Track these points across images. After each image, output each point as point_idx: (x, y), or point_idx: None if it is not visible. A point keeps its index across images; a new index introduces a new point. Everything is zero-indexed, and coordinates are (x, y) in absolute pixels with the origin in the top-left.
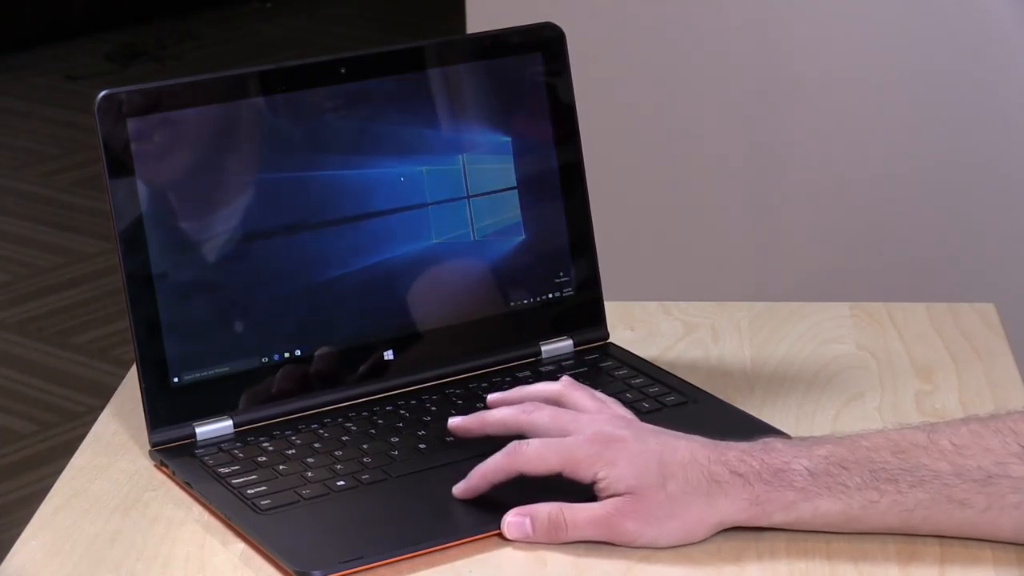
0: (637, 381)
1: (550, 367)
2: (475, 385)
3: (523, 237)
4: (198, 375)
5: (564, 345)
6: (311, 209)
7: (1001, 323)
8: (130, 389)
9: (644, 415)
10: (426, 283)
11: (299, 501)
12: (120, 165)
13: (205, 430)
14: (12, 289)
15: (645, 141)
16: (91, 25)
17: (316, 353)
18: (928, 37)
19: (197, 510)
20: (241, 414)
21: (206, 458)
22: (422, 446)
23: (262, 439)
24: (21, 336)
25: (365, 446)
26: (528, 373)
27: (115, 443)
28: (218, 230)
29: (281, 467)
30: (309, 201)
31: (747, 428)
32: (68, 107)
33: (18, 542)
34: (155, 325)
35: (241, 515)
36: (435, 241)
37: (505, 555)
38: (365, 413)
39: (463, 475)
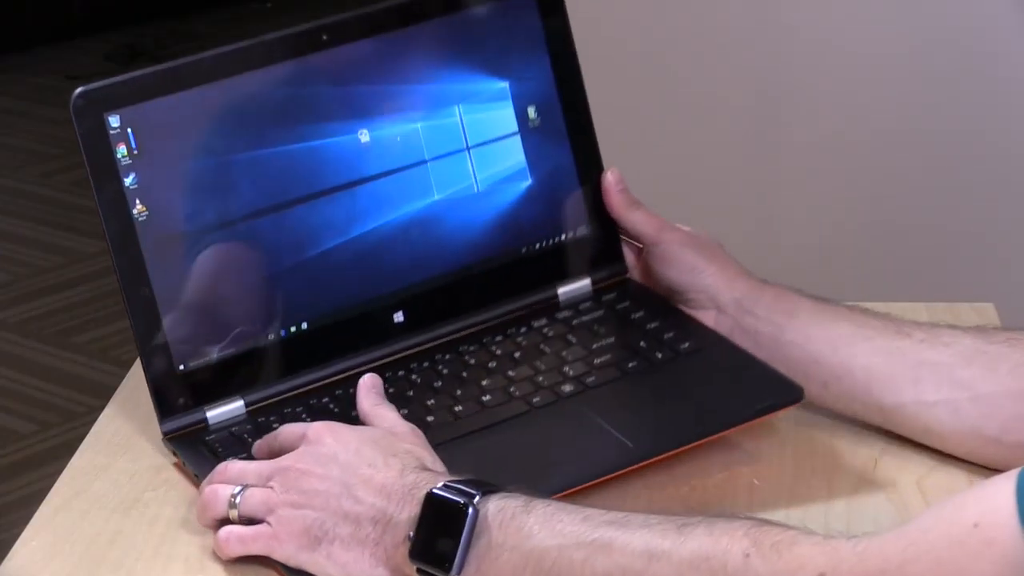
0: (652, 326)
1: (567, 312)
2: (488, 339)
3: (530, 182)
4: (204, 360)
5: (582, 285)
6: (305, 181)
7: (1000, 323)
8: (130, 389)
9: (658, 365)
10: (432, 241)
11: None
12: (102, 161)
13: (216, 413)
14: (12, 289)
15: (643, 142)
16: (91, 25)
17: (324, 324)
18: (928, 35)
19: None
20: (252, 393)
21: (216, 446)
22: (430, 418)
23: (272, 419)
24: (21, 336)
25: None
26: (544, 321)
27: (115, 443)
28: (210, 213)
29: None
30: (302, 173)
31: (761, 377)
32: (68, 107)
33: (18, 542)
34: (154, 317)
35: None
36: (437, 197)
37: None
38: None
39: (466, 451)
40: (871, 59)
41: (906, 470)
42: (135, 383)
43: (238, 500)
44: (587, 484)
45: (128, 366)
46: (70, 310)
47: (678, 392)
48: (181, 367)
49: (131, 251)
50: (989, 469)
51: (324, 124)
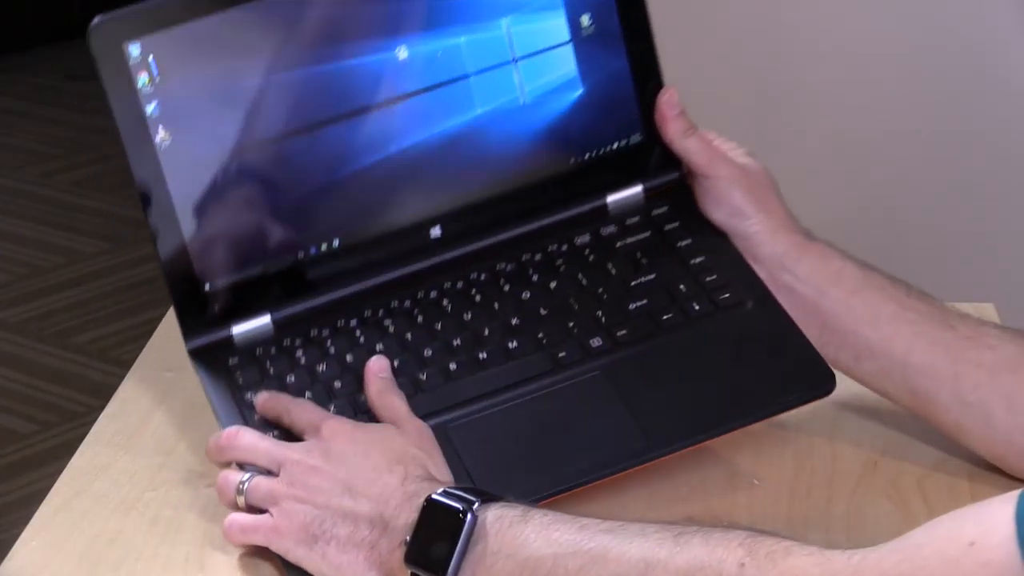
0: (697, 261)
1: (612, 228)
2: (528, 257)
3: (581, 91)
4: (231, 279)
5: (633, 193)
6: (338, 101)
7: (1000, 323)
8: (130, 389)
9: (693, 320)
10: (473, 155)
11: None
12: (122, 90)
13: (242, 328)
14: (12, 289)
15: None
16: None
17: (356, 241)
18: (928, 35)
19: (197, 510)
20: (279, 310)
21: (237, 374)
22: (452, 366)
23: (299, 342)
24: (21, 336)
25: (396, 362)
26: (588, 238)
27: (115, 443)
28: (238, 136)
29: (307, 395)
30: (336, 93)
31: (792, 356)
32: (68, 107)
33: (18, 542)
34: (179, 243)
35: None
36: (479, 111)
37: None
38: (408, 302)
39: (479, 423)
40: (871, 59)
41: (906, 470)
42: (135, 383)
43: (245, 487)
44: (594, 483)
45: (128, 366)
46: (70, 310)
47: (704, 368)
48: (207, 287)
49: (154, 179)
50: (1008, 476)
51: (358, 42)
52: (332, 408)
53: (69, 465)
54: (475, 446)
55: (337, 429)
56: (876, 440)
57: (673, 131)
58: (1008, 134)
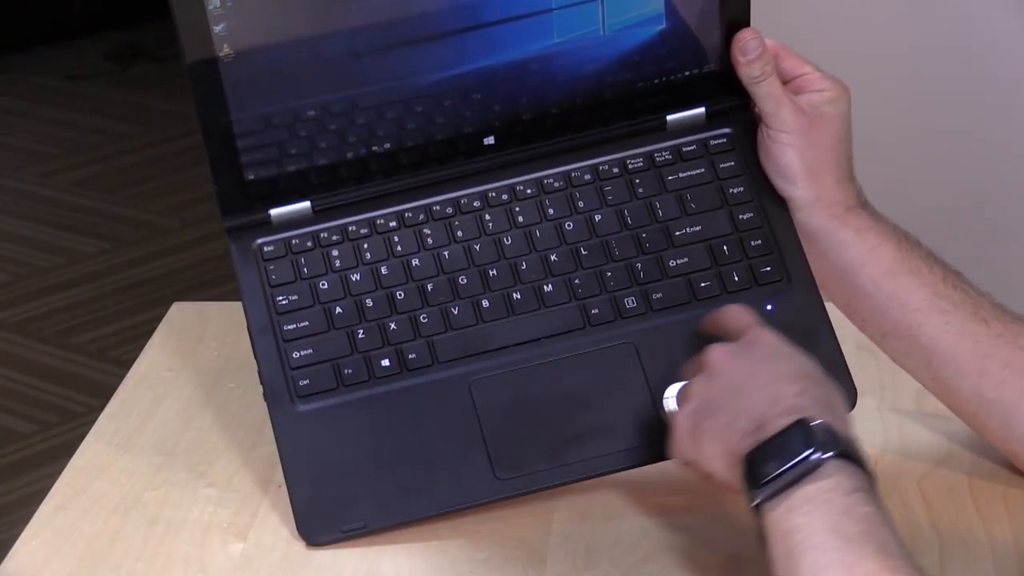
0: (745, 217)
1: (667, 155)
2: (577, 174)
3: (663, 26)
4: (275, 168)
5: (695, 114)
6: (414, 26)
7: None
8: (130, 389)
9: (730, 293)
10: (540, 79)
11: (339, 387)
12: (190, 10)
13: (282, 211)
14: (12, 289)
15: None
16: (91, 25)
17: (406, 145)
18: (928, 35)
19: (197, 510)
20: (320, 196)
21: (270, 268)
22: (485, 303)
23: (336, 238)
24: (21, 336)
25: (429, 285)
26: (640, 163)
27: (115, 443)
28: (302, 53)
29: (337, 310)
30: (412, 20)
31: (822, 361)
32: (68, 107)
33: (18, 542)
34: (226, 124)
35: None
36: (557, 41)
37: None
38: (450, 208)
39: (505, 379)
40: (871, 59)
41: (906, 470)
42: (135, 383)
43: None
44: (600, 476)
45: (128, 366)
46: (70, 310)
47: None
48: (250, 173)
49: (213, 86)
50: (1009, 473)
51: None
52: (360, 332)
53: (69, 465)
54: (496, 412)
55: (763, 336)
56: (876, 440)
57: (744, 75)
58: (1008, 134)
